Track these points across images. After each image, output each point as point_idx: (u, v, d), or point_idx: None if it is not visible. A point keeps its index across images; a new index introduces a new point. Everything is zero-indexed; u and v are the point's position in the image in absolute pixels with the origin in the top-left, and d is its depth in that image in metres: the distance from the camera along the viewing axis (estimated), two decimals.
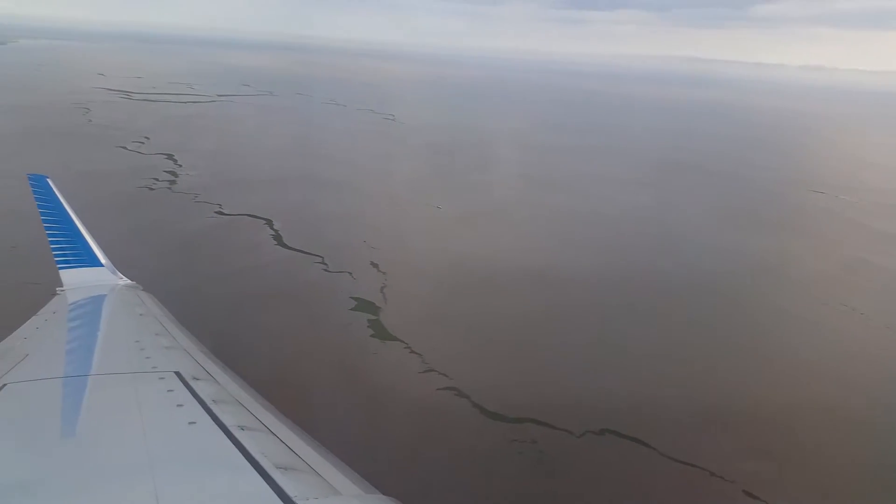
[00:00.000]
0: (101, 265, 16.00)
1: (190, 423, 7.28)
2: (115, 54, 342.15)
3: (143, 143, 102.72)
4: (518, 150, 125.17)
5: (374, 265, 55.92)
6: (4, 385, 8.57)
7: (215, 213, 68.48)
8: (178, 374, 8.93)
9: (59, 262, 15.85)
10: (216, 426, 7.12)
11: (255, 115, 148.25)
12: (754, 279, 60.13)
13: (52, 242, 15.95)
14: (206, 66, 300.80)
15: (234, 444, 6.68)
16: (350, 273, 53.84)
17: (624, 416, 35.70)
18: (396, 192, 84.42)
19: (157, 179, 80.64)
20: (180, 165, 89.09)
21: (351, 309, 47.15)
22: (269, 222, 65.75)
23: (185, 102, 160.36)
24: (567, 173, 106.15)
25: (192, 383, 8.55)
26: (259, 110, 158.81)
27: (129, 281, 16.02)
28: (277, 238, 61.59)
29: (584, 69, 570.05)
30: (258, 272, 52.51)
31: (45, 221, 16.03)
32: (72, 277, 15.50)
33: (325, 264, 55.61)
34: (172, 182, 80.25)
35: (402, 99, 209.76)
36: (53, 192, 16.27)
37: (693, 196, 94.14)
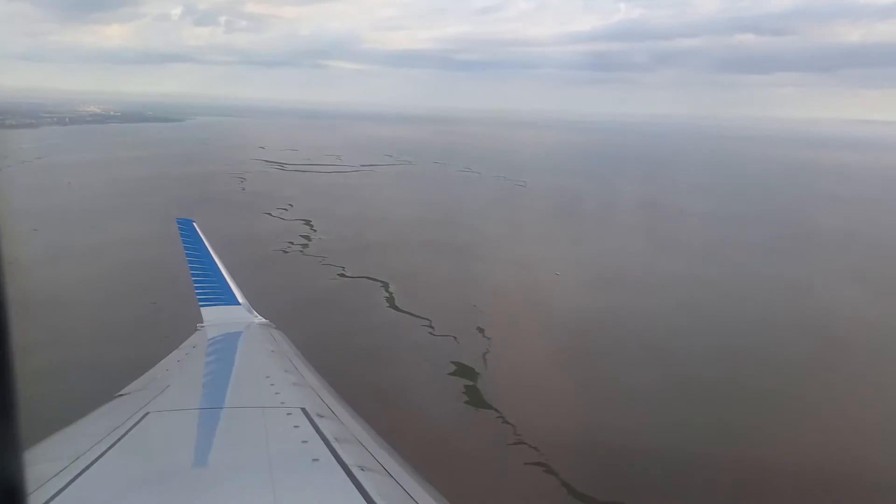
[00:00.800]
0: (239, 303, 16.82)
1: (313, 459, 7.53)
2: (277, 129, 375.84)
3: (286, 209, 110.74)
4: (651, 216, 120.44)
5: (480, 330, 55.63)
6: (147, 413, 9.21)
7: (338, 274, 71.81)
8: (304, 410, 9.24)
9: (200, 300, 16.85)
10: (338, 465, 7.29)
11: (391, 183, 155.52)
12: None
13: (195, 281, 17.12)
14: (356, 138, 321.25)
15: (354, 483, 6.83)
16: (455, 337, 53.89)
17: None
18: (516, 258, 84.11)
19: (292, 243, 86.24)
20: (315, 230, 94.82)
21: (449, 373, 47.01)
22: (386, 285, 67.76)
23: (330, 172, 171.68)
24: (701, 240, 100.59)
25: (317, 420, 8.81)
26: (396, 178, 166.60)
27: (263, 319, 16.63)
28: (390, 300, 63.24)
29: (737, 132, 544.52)
30: (365, 333, 53.94)
31: (189, 262, 17.31)
32: (211, 314, 16.51)
33: (432, 327, 56.13)
34: (305, 246, 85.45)
35: (538, 166, 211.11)
36: (198, 235, 17.52)
37: (847, 271, 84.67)
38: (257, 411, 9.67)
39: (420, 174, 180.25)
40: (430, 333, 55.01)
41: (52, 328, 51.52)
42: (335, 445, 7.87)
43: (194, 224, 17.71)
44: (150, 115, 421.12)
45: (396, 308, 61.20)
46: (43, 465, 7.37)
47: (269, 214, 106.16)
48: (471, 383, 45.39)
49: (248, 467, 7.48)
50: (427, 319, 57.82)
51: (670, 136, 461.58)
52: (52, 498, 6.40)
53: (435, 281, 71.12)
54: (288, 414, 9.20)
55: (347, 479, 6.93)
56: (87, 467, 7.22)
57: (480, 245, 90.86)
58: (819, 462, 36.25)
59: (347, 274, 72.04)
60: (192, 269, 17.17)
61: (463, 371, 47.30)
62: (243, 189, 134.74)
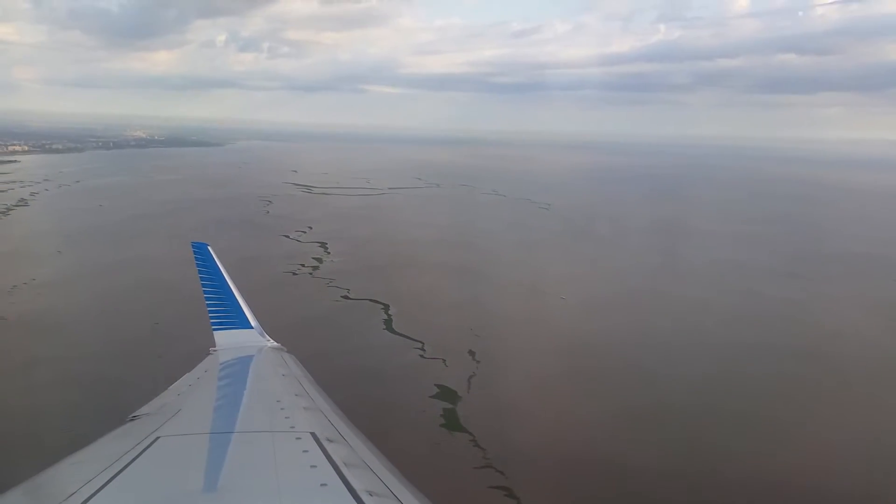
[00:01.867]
0: (251, 327, 16.81)
1: (322, 484, 7.51)
2: (313, 153, 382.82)
3: (304, 232, 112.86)
4: (671, 239, 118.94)
5: (472, 353, 55.81)
6: (158, 438, 9.30)
7: (341, 296, 72.85)
8: (313, 434, 9.29)
9: (213, 323, 16.86)
10: (346, 490, 7.26)
11: (415, 206, 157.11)
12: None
13: (209, 304, 17.07)
14: (389, 162, 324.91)
15: None
16: (444, 360, 54.22)
17: None
18: (526, 281, 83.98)
19: (303, 265, 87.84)
20: (329, 253, 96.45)
21: (431, 396, 47.28)
22: (386, 307, 68.47)
23: (356, 195, 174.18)
24: (718, 263, 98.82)
25: (326, 445, 8.85)
26: (421, 201, 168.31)
27: (275, 343, 16.68)
28: (388, 323, 63.91)
29: (779, 154, 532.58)
30: (353, 355, 54.61)
31: (203, 285, 17.22)
32: (224, 338, 16.46)
33: (423, 350, 56.55)
34: (315, 268, 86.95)
35: (566, 188, 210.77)
36: (213, 259, 17.42)
37: (865, 296, 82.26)
38: (267, 436, 9.71)
39: (445, 197, 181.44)
40: (421, 356, 55.42)
41: (53, 346, 53.91)
42: (344, 470, 7.88)
43: (209, 248, 17.72)
44: (192, 140, 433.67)
45: (392, 330, 61.82)
46: (55, 488, 7.65)
47: (287, 237, 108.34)
48: (450, 406, 45.59)
49: (256, 493, 7.49)
50: (420, 342, 58.27)
51: (709, 157, 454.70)
52: None
53: (437, 303, 71.59)
54: (297, 438, 9.25)
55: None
56: (97, 491, 7.32)
57: (490, 268, 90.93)
58: None
59: (351, 296, 73.04)
60: (205, 292, 17.18)
61: (445, 394, 47.53)
62: (267, 212, 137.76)
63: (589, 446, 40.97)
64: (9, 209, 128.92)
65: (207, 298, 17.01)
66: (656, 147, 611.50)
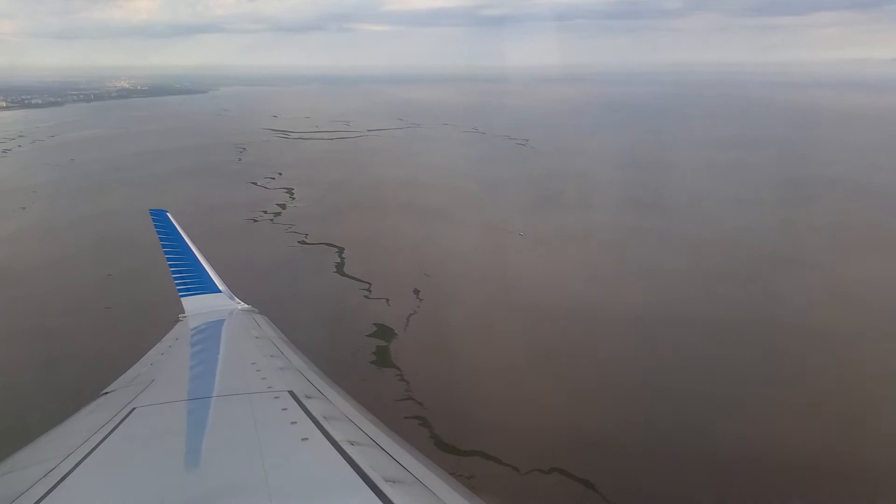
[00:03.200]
0: (220, 291, 16.83)
1: (303, 439, 7.75)
2: (297, 97, 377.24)
3: (273, 178, 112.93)
4: (644, 173, 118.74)
5: (416, 292, 57.09)
6: (134, 409, 9.28)
7: (298, 242, 73.82)
8: (291, 392, 9.41)
9: (179, 290, 16.75)
10: (327, 442, 7.51)
11: (392, 148, 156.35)
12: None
13: (174, 271, 17.09)
14: (373, 103, 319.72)
15: (344, 458, 7.04)
16: (387, 300, 55.53)
17: (584, 457, 33.57)
18: (487, 219, 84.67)
19: (265, 212, 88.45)
20: (294, 199, 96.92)
21: (367, 335, 48.70)
22: (341, 251, 69.53)
23: (334, 139, 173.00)
24: (688, 194, 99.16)
25: (305, 401, 8.97)
26: (398, 142, 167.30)
27: (245, 305, 16.68)
28: (339, 266, 65.04)
29: (773, 79, 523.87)
30: (298, 299, 55.59)
31: (166, 252, 17.23)
32: (192, 304, 16.52)
33: (369, 291, 57.82)
34: (277, 214, 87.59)
35: (546, 123, 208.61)
36: (173, 225, 17.46)
37: (831, 221, 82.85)
38: (245, 398, 9.72)
39: (424, 137, 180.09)
40: (366, 297, 56.71)
41: (1, 302, 55.32)
42: (324, 424, 8.08)
43: (168, 214, 17.66)
44: (176, 88, 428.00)
45: (342, 273, 62.99)
46: (31, 467, 7.68)
47: (255, 184, 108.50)
48: (384, 344, 47.09)
49: (237, 453, 7.64)
50: (367, 283, 59.51)
51: (700, 85, 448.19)
52: (44, 497, 6.63)
53: (393, 244, 72.61)
54: (276, 398, 9.35)
55: (337, 454, 7.18)
56: (77, 465, 7.43)
57: (456, 206, 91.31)
58: None
59: (308, 241, 74.01)
60: (168, 259, 17.13)
61: (381, 332, 48.99)
62: (239, 159, 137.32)
63: (512, 377, 42.54)
64: None
65: (171, 265, 17.02)
66: (650, 76, 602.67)
